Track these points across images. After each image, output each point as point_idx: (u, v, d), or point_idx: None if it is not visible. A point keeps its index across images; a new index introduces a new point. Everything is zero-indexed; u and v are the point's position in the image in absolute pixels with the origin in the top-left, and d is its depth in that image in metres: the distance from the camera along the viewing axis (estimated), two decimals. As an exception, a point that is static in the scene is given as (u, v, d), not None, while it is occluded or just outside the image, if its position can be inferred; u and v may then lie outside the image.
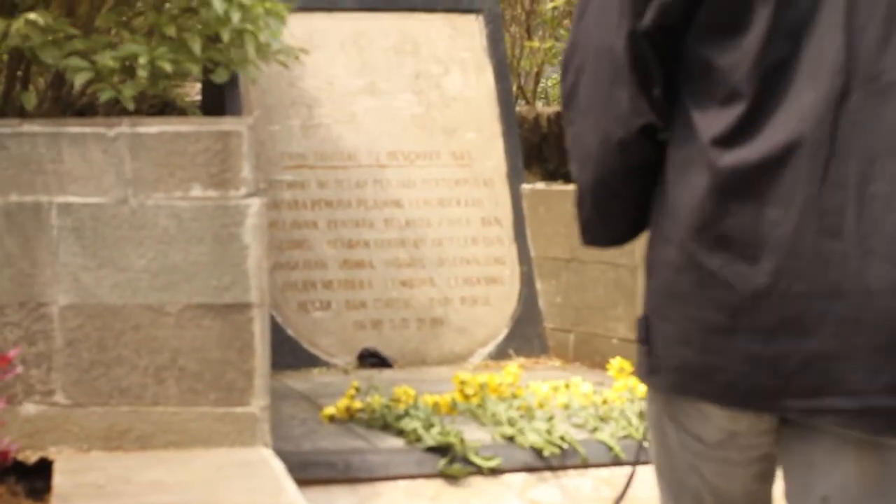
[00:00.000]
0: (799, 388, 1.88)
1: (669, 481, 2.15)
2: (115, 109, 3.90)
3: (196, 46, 3.88)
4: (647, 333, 2.02)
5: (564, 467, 4.14)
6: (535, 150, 6.82)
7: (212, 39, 4.02)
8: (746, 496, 2.09)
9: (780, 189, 1.85)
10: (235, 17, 3.85)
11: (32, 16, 3.71)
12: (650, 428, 2.15)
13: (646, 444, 2.30)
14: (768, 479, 2.09)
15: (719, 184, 1.88)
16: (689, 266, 1.92)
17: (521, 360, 5.67)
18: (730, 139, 1.88)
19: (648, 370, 2.03)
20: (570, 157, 2.13)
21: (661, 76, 1.95)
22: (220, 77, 4.11)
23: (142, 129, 3.76)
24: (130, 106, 3.84)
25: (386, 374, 5.34)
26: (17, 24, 3.72)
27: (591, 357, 5.55)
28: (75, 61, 3.84)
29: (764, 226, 1.86)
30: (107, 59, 3.82)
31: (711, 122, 1.90)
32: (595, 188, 2.05)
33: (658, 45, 1.93)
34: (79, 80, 3.87)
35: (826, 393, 1.86)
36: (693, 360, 1.95)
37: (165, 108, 5.40)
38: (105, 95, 3.84)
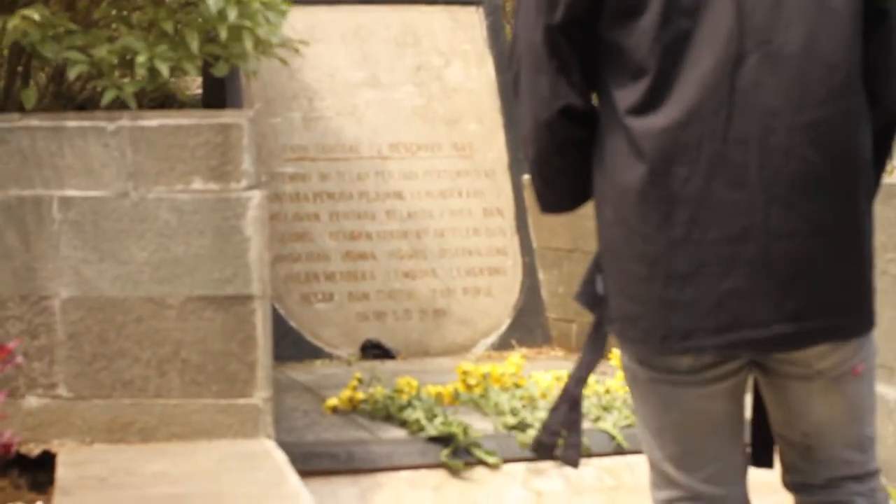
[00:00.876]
0: (712, 327, 2.11)
1: (654, 426, 2.29)
2: (116, 103, 3.90)
3: (194, 45, 3.88)
4: (602, 287, 2.24)
5: (567, 457, 4.14)
6: (537, 140, 6.82)
7: (210, 35, 4.02)
8: (725, 416, 2.26)
9: (687, 149, 2.08)
10: (232, 13, 3.84)
11: (28, 12, 3.71)
12: (627, 382, 2.32)
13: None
14: (741, 400, 2.29)
15: (635, 149, 2.12)
16: (621, 223, 2.16)
17: (524, 350, 5.67)
18: (641, 109, 2.12)
19: (608, 320, 2.25)
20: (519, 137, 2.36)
21: (578, 63, 2.19)
22: (220, 71, 4.10)
23: (142, 123, 3.76)
24: (132, 104, 3.84)
25: (389, 365, 5.34)
26: (14, 22, 3.73)
27: (594, 347, 5.55)
28: (75, 54, 3.84)
29: (675, 183, 2.09)
30: (103, 53, 3.82)
31: (626, 95, 2.14)
32: (537, 163, 2.29)
33: (572, 36, 2.17)
34: (73, 73, 3.87)
35: (739, 327, 2.10)
36: (626, 309, 2.18)
37: (166, 101, 5.41)
38: (108, 96, 3.84)
